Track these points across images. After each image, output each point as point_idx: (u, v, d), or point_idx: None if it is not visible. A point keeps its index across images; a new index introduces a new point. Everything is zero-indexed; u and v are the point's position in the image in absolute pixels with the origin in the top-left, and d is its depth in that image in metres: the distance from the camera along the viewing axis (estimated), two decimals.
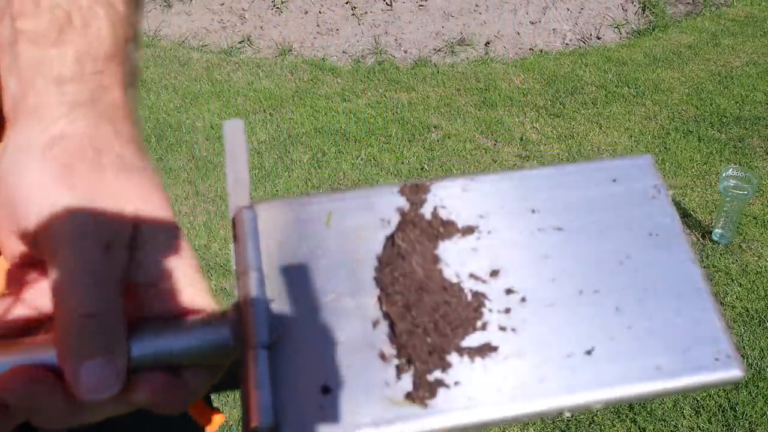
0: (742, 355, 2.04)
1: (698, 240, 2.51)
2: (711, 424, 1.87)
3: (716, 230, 2.49)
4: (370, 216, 0.39)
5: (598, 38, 4.02)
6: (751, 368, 2.02)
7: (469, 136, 3.17)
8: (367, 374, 0.34)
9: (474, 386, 0.34)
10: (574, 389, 0.34)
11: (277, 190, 2.84)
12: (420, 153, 3.03)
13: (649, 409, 1.91)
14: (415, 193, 0.40)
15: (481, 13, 4.08)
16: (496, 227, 0.39)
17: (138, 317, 0.35)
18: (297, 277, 0.36)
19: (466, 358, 0.34)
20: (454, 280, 0.37)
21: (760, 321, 2.18)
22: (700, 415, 1.89)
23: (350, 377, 0.34)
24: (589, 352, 0.35)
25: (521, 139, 3.13)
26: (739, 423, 1.86)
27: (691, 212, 2.64)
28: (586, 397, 0.34)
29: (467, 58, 3.85)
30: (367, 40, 3.92)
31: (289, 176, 2.92)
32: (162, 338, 0.35)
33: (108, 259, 0.32)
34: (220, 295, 2.37)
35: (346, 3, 4.08)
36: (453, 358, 0.34)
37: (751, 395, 1.93)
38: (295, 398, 0.33)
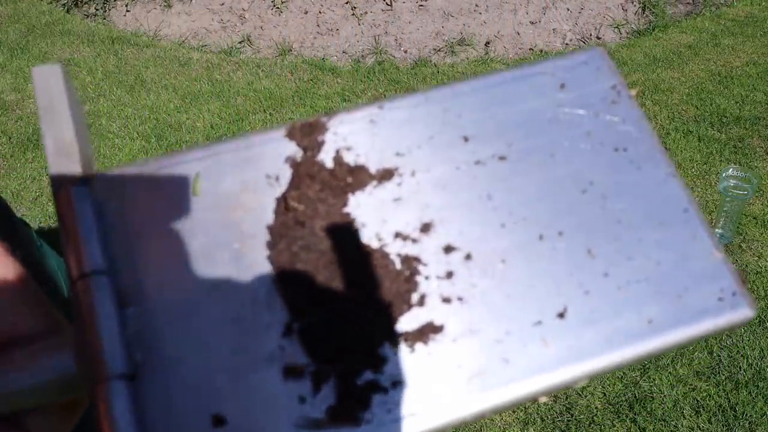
0: (742, 356, 2.04)
1: None
2: (711, 424, 1.86)
3: (716, 230, 2.48)
4: (251, 173, 0.29)
5: (598, 38, 4.01)
6: (751, 368, 2.01)
7: None
8: (273, 390, 0.25)
9: (419, 383, 0.26)
10: (549, 367, 0.26)
11: None
12: None
13: (649, 409, 1.90)
14: (308, 134, 0.30)
15: (481, 13, 4.08)
16: (420, 166, 0.30)
17: None
18: (161, 270, 0.27)
19: (403, 347, 0.26)
20: (375, 244, 0.28)
21: (760, 321, 2.17)
22: (700, 415, 1.88)
23: (251, 398, 0.25)
24: (561, 315, 0.27)
25: None
26: (739, 423, 1.86)
27: None
28: (567, 374, 0.27)
29: (467, 58, 3.85)
30: (367, 40, 3.92)
31: None
32: None
33: None
34: None
35: (346, 3, 4.08)
36: (386, 350, 0.26)
37: (751, 395, 1.93)
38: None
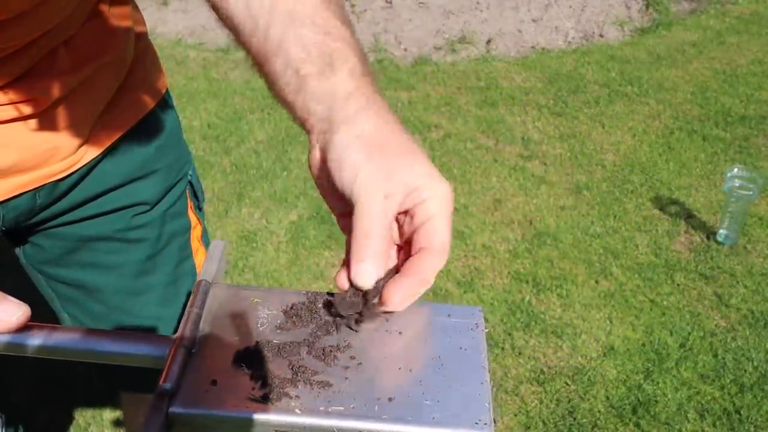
0: (747, 359, 2.00)
1: (703, 241, 2.47)
2: (716, 428, 1.83)
3: (721, 231, 2.45)
4: (280, 306, 0.60)
5: (601, 36, 3.97)
6: (757, 371, 1.98)
7: (470, 135, 3.13)
8: (242, 380, 0.52)
9: (307, 401, 0.51)
10: (372, 419, 0.50)
11: (275, 191, 2.80)
12: None
13: (652, 413, 1.87)
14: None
15: (482, 11, 4.04)
16: (363, 324, 0.58)
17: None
18: (226, 329, 0.57)
19: (308, 386, 0.52)
20: (326, 347, 0.56)
21: (765, 323, 2.14)
22: (705, 419, 1.85)
23: (232, 379, 0.52)
24: (390, 399, 0.51)
25: (523, 139, 3.09)
26: (744, 427, 1.83)
27: (696, 213, 2.60)
28: (377, 426, 0.50)
29: (468, 57, 3.81)
30: (367, 38, 3.88)
31: (288, 176, 2.89)
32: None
33: (385, 203, 0.54)
34: None
35: (345, 0, 4.05)
36: (301, 384, 0.52)
37: (756, 399, 1.90)
38: (193, 382, 0.52)
